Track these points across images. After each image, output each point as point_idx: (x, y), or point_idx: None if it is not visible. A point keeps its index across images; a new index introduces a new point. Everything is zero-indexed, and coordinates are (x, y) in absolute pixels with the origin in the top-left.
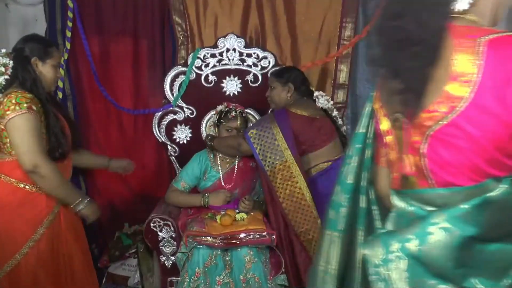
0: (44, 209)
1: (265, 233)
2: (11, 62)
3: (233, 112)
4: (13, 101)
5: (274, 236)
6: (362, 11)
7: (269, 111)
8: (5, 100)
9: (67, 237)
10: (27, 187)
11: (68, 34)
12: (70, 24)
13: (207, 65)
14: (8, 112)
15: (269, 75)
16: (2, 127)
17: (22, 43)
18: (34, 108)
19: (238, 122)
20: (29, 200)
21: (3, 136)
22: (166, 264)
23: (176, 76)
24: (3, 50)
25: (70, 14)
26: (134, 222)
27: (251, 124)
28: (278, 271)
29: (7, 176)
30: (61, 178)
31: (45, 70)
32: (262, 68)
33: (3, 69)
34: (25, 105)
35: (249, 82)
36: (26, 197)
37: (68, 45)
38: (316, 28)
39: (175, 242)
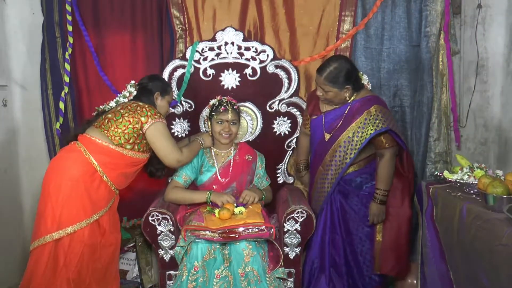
0: (107, 199)
1: (264, 226)
2: (135, 92)
3: (224, 105)
4: (148, 113)
5: (272, 230)
6: (361, 5)
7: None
8: (137, 109)
9: (110, 227)
10: (101, 173)
11: (69, 28)
12: (69, 18)
13: (205, 59)
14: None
15: (319, 77)
16: (123, 112)
17: (148, 80)
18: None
19: (229, 115)
20: (101, 185)
21: (118, 122)
22: (165, 258)
23: (174, 69)
24: (132, 82)
25: (68, 8)
26: (133, 216)
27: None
28: (277, 264)
29: (92, 157)
30: (189, 151)
31: (162, 104)
32: (261, 61)
33: (127, 94)
34: (158, 114)
35: (248, 75)
36: (99, 181)
37: (70, 40)
38: (314, 21)
39: (173, 236)
